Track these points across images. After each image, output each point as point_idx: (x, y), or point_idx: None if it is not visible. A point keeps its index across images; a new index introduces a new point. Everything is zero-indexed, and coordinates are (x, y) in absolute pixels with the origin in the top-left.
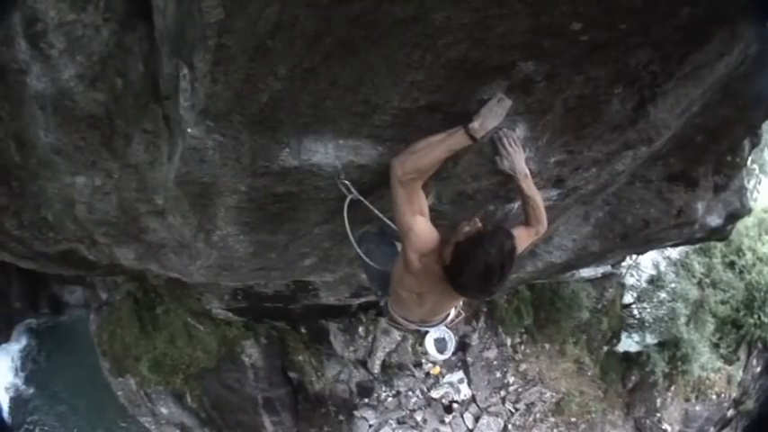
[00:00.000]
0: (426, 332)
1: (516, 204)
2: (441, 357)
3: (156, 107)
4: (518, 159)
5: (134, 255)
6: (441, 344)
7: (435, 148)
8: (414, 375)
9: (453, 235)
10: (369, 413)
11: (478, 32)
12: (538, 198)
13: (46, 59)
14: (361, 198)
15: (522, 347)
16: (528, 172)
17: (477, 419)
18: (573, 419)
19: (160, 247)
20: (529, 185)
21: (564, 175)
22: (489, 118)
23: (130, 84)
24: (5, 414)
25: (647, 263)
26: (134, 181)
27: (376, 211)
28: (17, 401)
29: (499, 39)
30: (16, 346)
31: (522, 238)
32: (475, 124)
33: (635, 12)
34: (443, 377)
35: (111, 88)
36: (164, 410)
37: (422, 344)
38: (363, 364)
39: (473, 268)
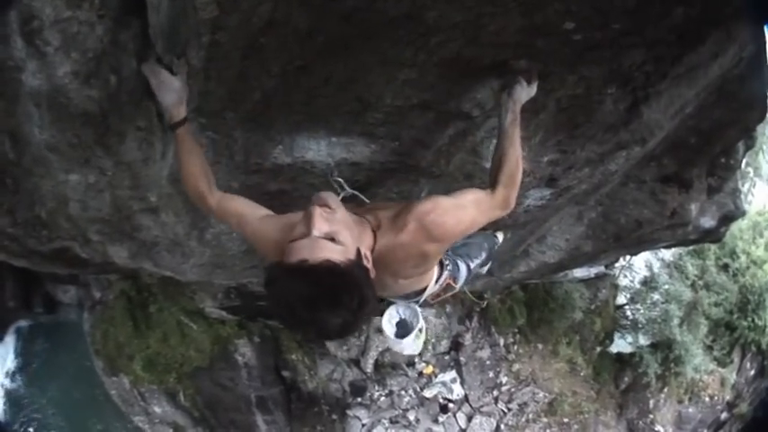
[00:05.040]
0: (390, 303)
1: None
2: (399, 344)
3: (150, 104)
4: (525, 96)
5: (127, 253)
6: (403, 328)
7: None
8: (407, 375)
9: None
10: (362, 412)
11: (471, 31)
12: (518, 152)
13: (41, 57)
14: (357, 193)
15: (515, 347)
16: (519, 117)
17: (469, 419)
18: (566, 420)
19: (153, 246)
20: (514, 133)
21: (557, 174)
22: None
23: (124, 80)
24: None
25: (640, 264)
26: (127, 178)
27: (368, 202)
28: (11, 401)
29: (492, 37)
30: (10, 345)
31: (480, 210)
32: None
33: (628, 12)
34: (436, 377)
35: (104, 85)
36: (157, 409)
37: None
38: (356, 363)
39: (273, 305)
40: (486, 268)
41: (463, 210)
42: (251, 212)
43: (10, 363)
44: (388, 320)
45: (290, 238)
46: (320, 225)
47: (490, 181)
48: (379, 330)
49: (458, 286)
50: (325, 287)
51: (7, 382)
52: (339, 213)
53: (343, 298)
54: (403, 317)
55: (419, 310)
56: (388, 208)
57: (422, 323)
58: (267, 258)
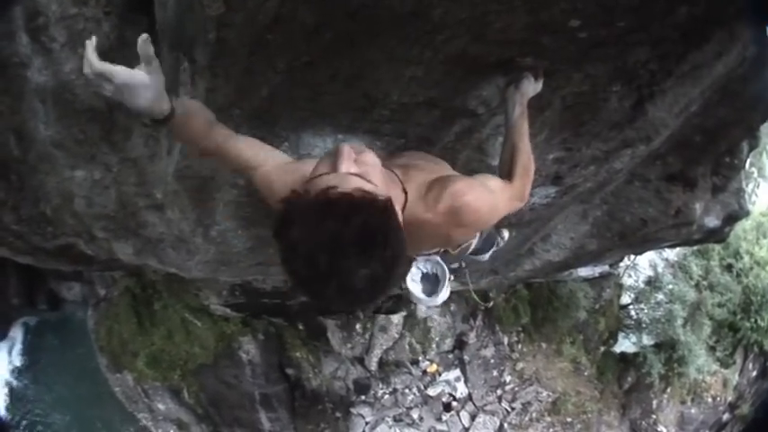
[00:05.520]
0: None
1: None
2: (428, 301)
3: None
4: (532, 91)
5: (132, 250)
6: (430, 283)
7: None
8: (411, 373)
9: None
10: (365, 410)
11: (477, 28)
12: (528, 146)
13: (47, 53)
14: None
15: (519, 346)
16: (526, 111)
17: (473, 418)
18: (569, 419)
19: (159, 242)
20: (523, 126)
21: (562, 172)
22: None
23: None
24: (3, 410)
25: (644, 264)
26: (133, 175)
27: None
28: (15, 398)
29: (497, 35)
30: (14, 342)
31: (502, 198)
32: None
33: (633, 10)
34: (440, 375)
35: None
36: (161, 406)
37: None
38: (360, 361)
39: (287, 256)
40: (487, 255)
41: (494, 196)
42: (260, 156)
43: (14, 359)
44: (412, 279)
45: (311, 176)
46: (348, 164)
47: (503, 173)
48: (383, 328)
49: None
50: (357, 223)
51: (11, 379)
52: (369, 157)
53: (376, 240)
54: (425, 271)
55: (439, 258)
56: (422, 169)
57: (447, 271)
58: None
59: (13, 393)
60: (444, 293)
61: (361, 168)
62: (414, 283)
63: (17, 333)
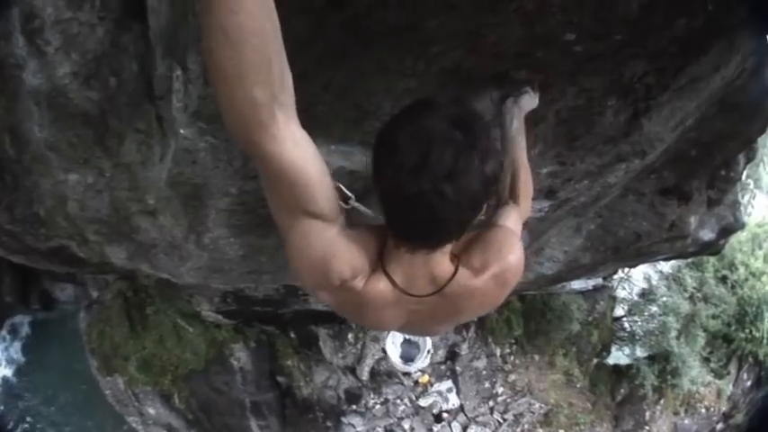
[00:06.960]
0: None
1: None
2: (402, 368)
3: (150, 107)
4: (529, 106)
5: (125, 254)
6: (410, 349)
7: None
8: (402, 383)
9: None
10: (356, 420)
11: (471, 41)
12: (526, 161)
13: (42, 56)
14: (357, 205)
15: (512, 358)
16: (524, 126)
17: (465, 429)
18: (561, 431)
19: (151, 248)
20: (522, 140)
21: (556, 186)
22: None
23: (124, 83)
24: None
25: (638, 276)
26: (126, 180)
27: (371, 214)
28: (4, 396)
29: (492, 47)
30: (6, 340)
31: (515, 221)
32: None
33: (630, 23)
34: (432, 386)
35: (104, 87)
36: (151, 411)
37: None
38: (352, 370)
39: (398, 162)
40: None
41: (517, 238)
42: (329, 201)
43: (5, 357)
44: (392, 342)
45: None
46: None
47: (507, 194)
48: (376, 338)
49: None
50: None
51: (2, 377)
52: None
53: (494, 152)
54: (407, 336)
55: None
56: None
57: (429, 344)
58: (312, 279)
59: (2, 392)
60: (421, 363)
61: None
62: (393, 346)
63: (9, 331)
